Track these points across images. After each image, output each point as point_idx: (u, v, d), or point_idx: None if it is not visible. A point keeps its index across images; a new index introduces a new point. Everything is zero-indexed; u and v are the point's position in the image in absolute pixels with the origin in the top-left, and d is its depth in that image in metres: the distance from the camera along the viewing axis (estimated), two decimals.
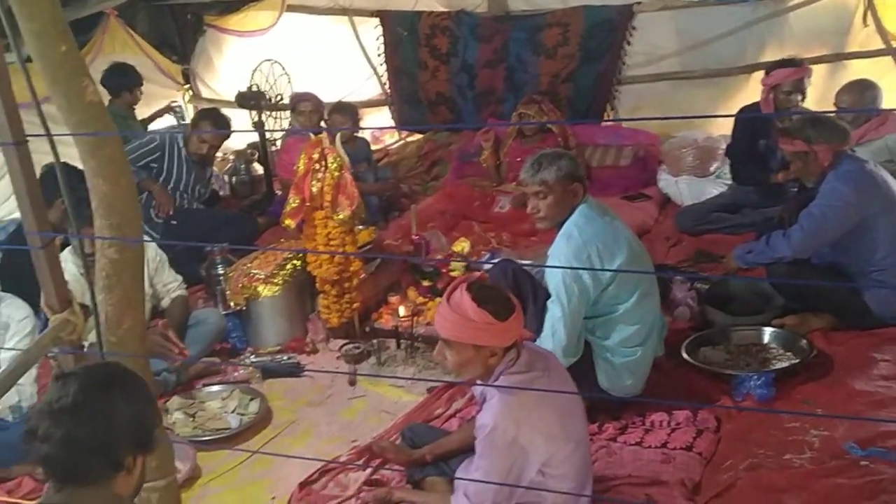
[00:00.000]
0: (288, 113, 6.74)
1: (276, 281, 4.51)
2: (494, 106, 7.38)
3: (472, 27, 7.21)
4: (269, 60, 6.79)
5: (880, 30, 6.07)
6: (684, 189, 5.97)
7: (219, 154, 6.68)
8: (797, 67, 5.05)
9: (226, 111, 6.39)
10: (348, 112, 6.22)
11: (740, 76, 6.62)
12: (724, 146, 5.90)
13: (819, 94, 5.67)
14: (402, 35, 7.49)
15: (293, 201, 4.33)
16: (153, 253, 4.31)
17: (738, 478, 3.06)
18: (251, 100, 6.68)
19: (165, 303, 4.39)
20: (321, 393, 4.10)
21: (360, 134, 6.67)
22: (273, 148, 6.98)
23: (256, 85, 6.68)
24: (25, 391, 3.52)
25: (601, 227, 3.38)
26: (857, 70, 5.91)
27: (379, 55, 7.73)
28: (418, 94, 7.69)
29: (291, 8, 7.60)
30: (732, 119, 5.66)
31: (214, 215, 6.16)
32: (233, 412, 3.84)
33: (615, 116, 7.13)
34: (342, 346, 4.42)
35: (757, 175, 5.32)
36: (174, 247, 4.76)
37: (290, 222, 4.37)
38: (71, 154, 2.10)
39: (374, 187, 6.20)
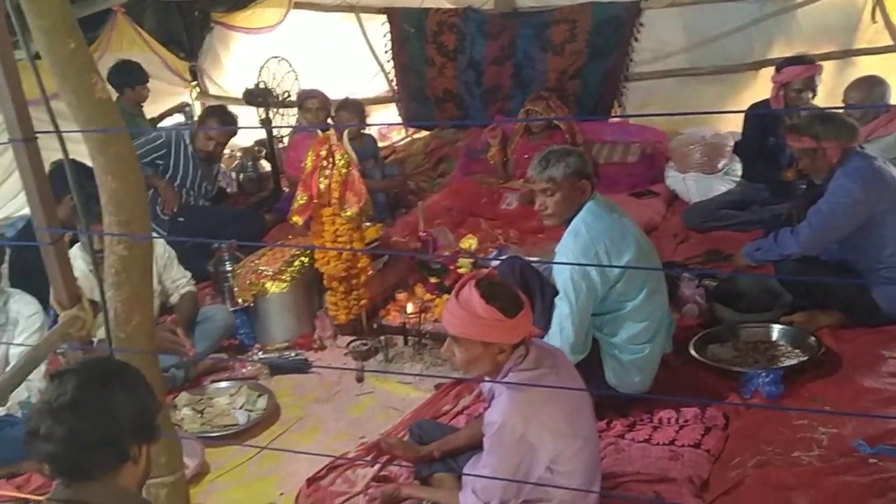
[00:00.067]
0: (295, 110, 6.75)
1: (283, 277, 4.52)
2: (502, 103, 7.37)
3: (479, 24, 7.20)
4: (276, 57, 6.78)
5: (889, 26, 6.06)
6: (692, 186, 5.96)
7: (226, 151, 6.69)
8: (808, 65, 5.04)
9: (233, 108, 6.39)
10: (355, 109, 6.22)
11: (748, 73, 6.61)
12: (732, 143, 5.90)
13: (827, 91, 5.65)
14: (409, 32, 7.48)
15: (301, 198, 4.34)
16: (162, 249, 4.32)
17: (746, 475, 3.05)
18: (258, 97, 6.68)
19: (174, 299, 4.40)
20: (329, 389, 4.10)
21: (367, 131, 6.68)
22: (280, 145, 6.99)
23: (264, 82, 6.68)
24: (34, 387, 3.53)
25: (609, 224, 3.37)
26: (865, 66, 5.89)
27: (386, 52, 7.73)
28: (425, 91, 7.69)
29: (299, 5, 7.59)
30: (740, 116, 5.65)
31: (221, 212, 6.18)
32: (241, 408, 3.85)
33: (622, 113, 7.12)
34: (350, 343, 4.42)
35: (767, 172, 5.31)
36: (182, 243, 4.77)
37: (297, 219, 4.38)
38: (79, 151, 2.10)
39: (381, 184, 6.21)
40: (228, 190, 7.03)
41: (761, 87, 5.95)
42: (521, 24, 7.08)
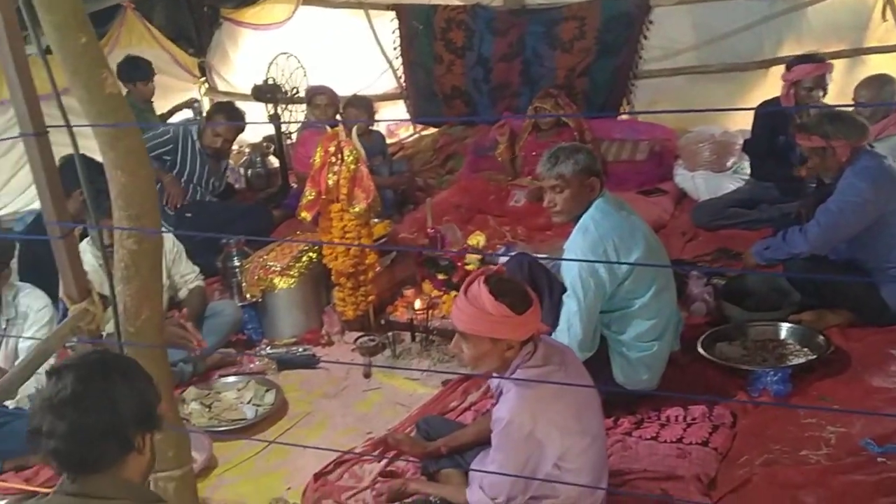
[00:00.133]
0: (303, 106, 6.76)
1: (291, 273, 4.53)
2: (510, 100, 7.36)
3: (487, 21, 7.19)
4: (284, 54, 6.79)
5: None
6: (701, 184, 5.94)
7: (234, 147, 6.70)
8: (819, 63, 5.02)
9: (242, 104, 6.41)
10: (363, 105, 6.23)
11: (758, 71, 6.57)
12: (741, 141, 5.87)
13: (837, 90, 5.62)
14: (417, 28, 7.48)
15: (309, 194, 4.34)
16: (171, 244, 4.33)
17: (753, 473, 3.05)
18: (267, 93, 6.68)
19: (183, 293, 4.41)
20: (336, 385, 4.11)
21: (376, 127, 6.68)
22: (288, 141, 7.00)
23: (272, 78, 6.68)
24: (43, 380, 3.53)
25: (618, 222, 3.37)
26: (875, 65, 5.86)
27: (394, 49, 7.72)
28: (433, 88, 7.67)
29: (307, 1, 7.60)
30: (749, 114, 5.63)
31: (229, 208, 6.19)
32: (248, 403, 3.86)
33: (631, 111, 7.10)
34: (357, 339, 4.43)
35: (776, 170, 5.29)
36: (190, 239, 4.78)
37: (306, 215, 4.38)
38: (89, 146, 2.11)
39: (389, 181, 6.21)
40: (237, 186, 7.04)
41: (771, 86, 5.93)
42: (529, 21, 7.06)
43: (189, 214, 5.67)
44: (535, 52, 7.11)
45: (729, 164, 5.95)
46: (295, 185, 6.53)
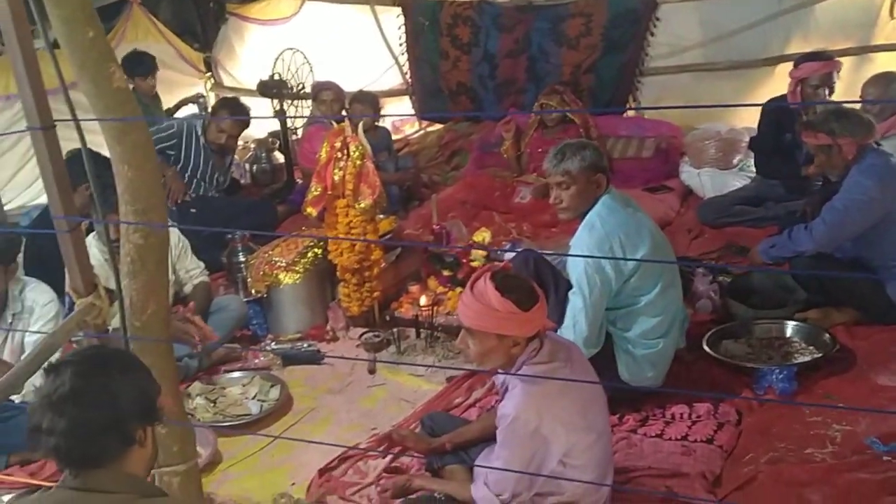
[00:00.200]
0: (309, 102, 6.76)
1: (297, 269, 4.53)
2: (515, 96, 7.35)
3: (493, 17, 7.17)
4: (290, 49, 6.79)
5: None
6: (706, 181, 5.94)
7: (240, 142, 6.71)
8: (826, 61, 5.01)
9: (247, 100, 6.41)
10: (369, 101, 6.23)
11: (764, 68, 6.56)
12: (747, 138, 5.86)
13: (844, 87, 5.60)
14: (423, 24, 7.46)
15: (315, 189, 4.34)
16: (176, 239, 4.33)
17: (758, 471, 3.05)
18: (273, 88, 6.69)
19: (188, 289, 4.42)
20: (341, 380, 4.11)
21: (381, 123, 6.68)
22: (294, 137, 7.00)
23: (278, 73, 6.69)
24: None
25: (624, 219, 3.36)
26: (883, 63, 5.85)
27: (400, 44, 7.70)
28: (439, 84, 7.67)
29: None
30: (756, 111, 5.61)
31: (233, 203, 6.19)
32: (253, 398, 3.86)
33: (637, 107, 7.09)
34: (362, 335, 4.43)
35: (782, 168, 5.28)
36: (196, 234, 4.78)
37: (311, 210, 4.39)
38: (96, 141, 2.11)
39: (394, 177, 6.21)
40: (242, 181, 7.05)
41: (777, 83, 5.91)
42: (535, 18, 7.04)
43: (194, 210, 5.67)
44: (541, 48, 7.09)
45: (735, 161, 5.94)
46: (300, 181, 6.54)
